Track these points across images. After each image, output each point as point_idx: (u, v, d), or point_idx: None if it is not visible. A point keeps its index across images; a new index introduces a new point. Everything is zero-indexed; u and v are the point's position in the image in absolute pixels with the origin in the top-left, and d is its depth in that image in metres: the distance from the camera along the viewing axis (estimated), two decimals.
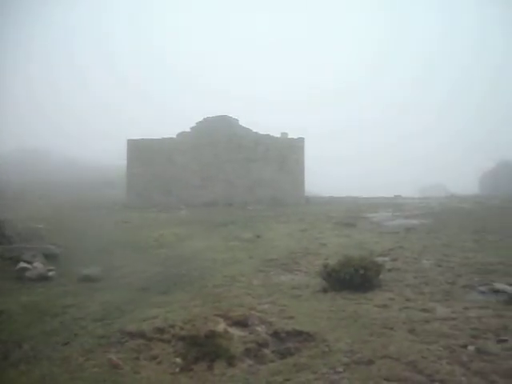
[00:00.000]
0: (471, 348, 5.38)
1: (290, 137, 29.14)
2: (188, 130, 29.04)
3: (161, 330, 6.45)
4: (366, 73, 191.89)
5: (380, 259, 10.28)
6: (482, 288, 8.06)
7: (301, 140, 28.82)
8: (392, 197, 31.75)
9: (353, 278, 8.19)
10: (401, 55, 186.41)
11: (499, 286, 7.91)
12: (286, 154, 28.53)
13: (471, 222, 16.69)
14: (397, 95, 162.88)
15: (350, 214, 20.67)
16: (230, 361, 5.57)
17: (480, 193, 43.50)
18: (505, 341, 5.55)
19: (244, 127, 28.76)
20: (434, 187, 59.19)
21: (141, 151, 28.84)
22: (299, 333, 6.19)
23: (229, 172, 28.30)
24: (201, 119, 29.03)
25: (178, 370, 5.49)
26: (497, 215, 19.01)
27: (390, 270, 9.62)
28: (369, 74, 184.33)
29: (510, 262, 9.95)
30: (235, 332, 6.28)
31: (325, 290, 8.29)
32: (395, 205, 24.65)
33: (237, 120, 28.84)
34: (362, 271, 8.23)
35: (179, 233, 16.12)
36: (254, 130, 28.75)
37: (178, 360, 5.70)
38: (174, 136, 29.09)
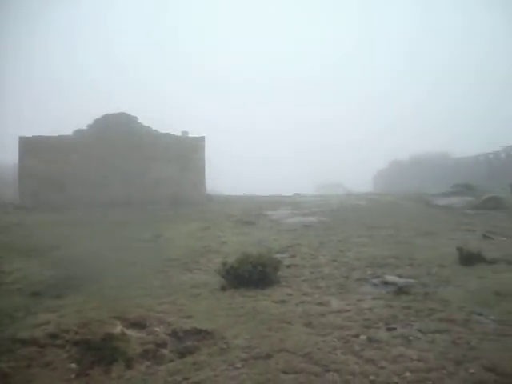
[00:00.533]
0: (363, 337, 5.64)
1: (191, 135, 28.96)
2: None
3: (54, 336, 6.10)
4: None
5: (278, 256, 10.49)
6: (374, 280, 8.47)
7: (201, 139, 28.70)
8: (291, 195, 32.47)
9: (251, 274, 8.26)
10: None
11: (390, 278, 8.37)
12: (186, 153, 28.27)
13: (366, 219, 17.50)
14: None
15: (251, 212, 20.93)
16: (128, 363, 5.41)
17: (374, 190, 45.76)
18: (394, 329, 5.88)
19: (143, 125, 28.00)
20: (332, 185, 61.59)
21: (34, 149, 27.19)
22: (198, 331, 6.15)
23: (127, 171, 27.46)
24: (99, 116, 28.05)
25: (73, 375, 5.23)
26: (390, 211, 20.08)
27: (288, 266, 9.84)
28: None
29: (400, 255, 10.54)
30: (133, 334, 6.12)
31: (224, 288, 8.29)
32: (294, 203, 25.25)
33: (136, 117, 28.06)
34: (260, 268, 8.32)
35: (75, 234, 15.45)
36: (154, 128, 28.24)
37: (73, 365, 5.43)
38: (71, 133, 27.87)
